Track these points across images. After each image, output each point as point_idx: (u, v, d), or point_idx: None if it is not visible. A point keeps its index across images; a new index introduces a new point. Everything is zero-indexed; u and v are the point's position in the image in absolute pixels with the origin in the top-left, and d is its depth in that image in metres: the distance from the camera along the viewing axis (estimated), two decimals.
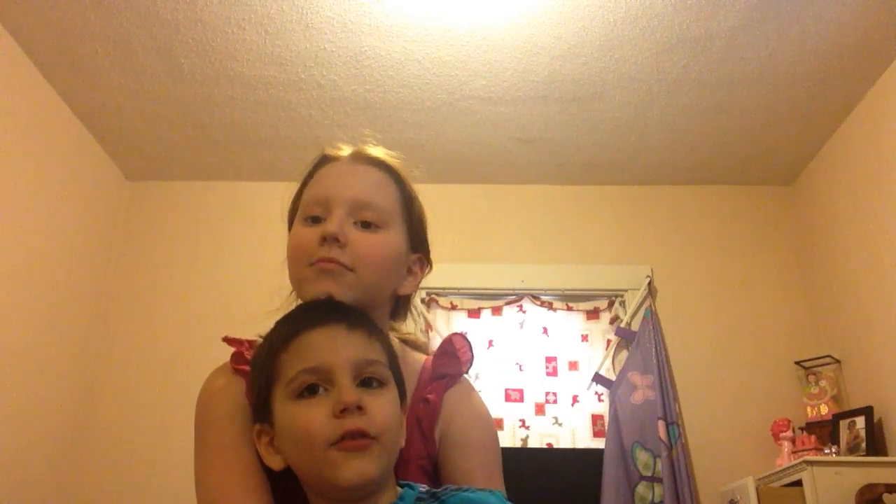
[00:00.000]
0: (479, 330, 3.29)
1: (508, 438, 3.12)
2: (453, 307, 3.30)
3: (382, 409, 0.87)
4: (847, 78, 2.85)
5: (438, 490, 0.88)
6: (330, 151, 1.09)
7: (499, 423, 3.14)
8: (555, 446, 3.13)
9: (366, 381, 0.88)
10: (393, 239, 1.02)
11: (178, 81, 2.89)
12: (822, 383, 3.01)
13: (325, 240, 0.96)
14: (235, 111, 3.06)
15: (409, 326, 1.15)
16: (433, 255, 1.11)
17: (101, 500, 2.99)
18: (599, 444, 3.06)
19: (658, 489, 2.86)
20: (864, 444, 2.68)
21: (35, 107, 2.85)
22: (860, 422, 2.75)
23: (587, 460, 3.02)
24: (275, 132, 3.17)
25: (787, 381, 3.14)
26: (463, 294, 3.34)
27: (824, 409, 2.95)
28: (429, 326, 3.21)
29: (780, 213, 3.50)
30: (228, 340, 1.02)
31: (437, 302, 3.30)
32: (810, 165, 3.37)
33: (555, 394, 3.21)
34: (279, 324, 0.94)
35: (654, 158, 3.35)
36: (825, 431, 2.89)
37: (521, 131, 3.17)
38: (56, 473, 2.93)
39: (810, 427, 2.94)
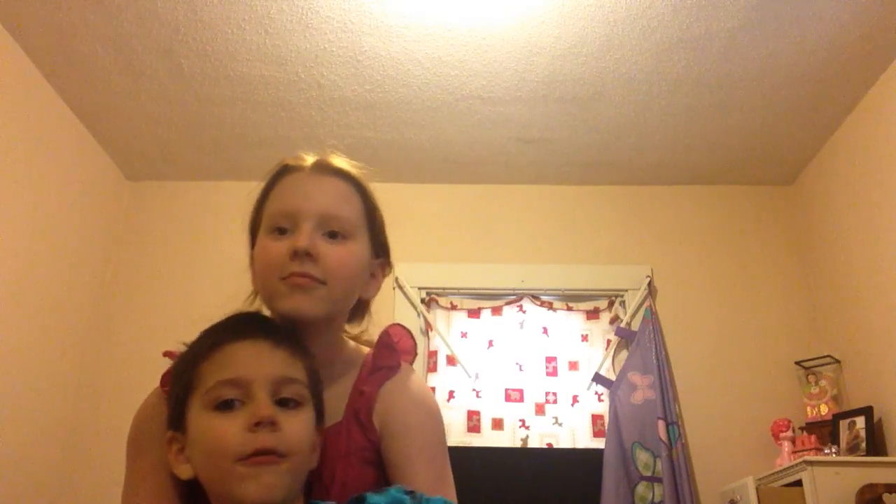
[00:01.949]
0: (479, 330, 3.29)
1: (508, 438, 3.12)
2: (453, 307, 3.30)
3: (295, 429, 0.88)
4: (847, 78, 2.85)
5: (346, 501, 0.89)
6: (291, 161, 1.09)
7: (498, 424, 3.14)
8: (555, 446, 3.13)
9: (283, 401, 0.89)
10: (359, 249, 1.04)
11: (178, 81, 2.89)
12: (822, 383, 3.01)
13: (296, 254, 0.98)
14: (235, 111, 3.06)
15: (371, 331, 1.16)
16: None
17: (101, 500, 2.99)
18: (599, 444, 3.06)
19: (658, 489, 2.86)
20: (864, 444, 2.68)
21: (35, 107, 2.85)
22: (860, 422, 2.75)
23: (587, 460, 3.03)
24: (275, 132, 3.17)
25: (787, 381, 3.14)
26: (463, 294, 3.34)
27: (824, 409, 2.95)
28: (429, 326, 3.22)
29: (780, 213, 3.50)
30: (169, 355, 1.03)
31: (437, 302, 3.30)
32: (810, 165, 3.37)
33: (555, 394, 3.21)
34: (205, 333, 0.97)
35: (654, 158, 3.36)
36: (825, 431, 2.89)
37: (521, 131, 3.17)
38: (56, 474, 2.93)
39: (810, 427, 2.94)
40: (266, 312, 1.06)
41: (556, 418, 3.17)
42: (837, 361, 3.05)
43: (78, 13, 2.56)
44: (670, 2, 2.51)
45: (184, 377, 0.93)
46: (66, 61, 2.78)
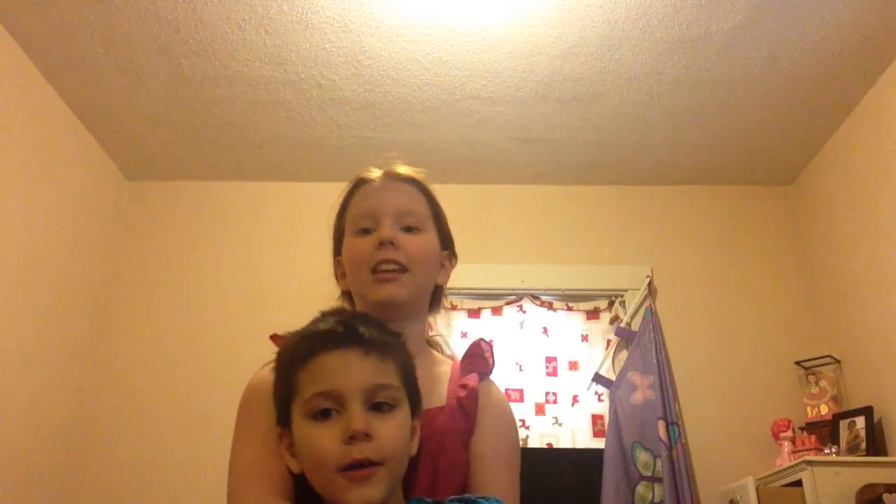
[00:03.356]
0: (479, 330, 3.29)
1: None
2: (453, 307, 3.30)
3: (390, 434, 0.93)
4: (847, 78, 2.85)
5: (443, 500, 0.96)
6: (364, 174, 1.25)
7: None
8: (555, 446, 3.13)
9: (377, 405, 0.94)
10: (432, 239, 1.20)
11: (178, 81, 2.89)
12: (822, 383, 3.01)
13: (381, 244, 1.13)
14: (235, 111, 3.06)
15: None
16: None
17: (102, 499, 2.99)
18: (599, 444, 3.06)
19: (658, 489, 2.86)
20: (863, 444, 2.68)
21: (35, 107, 2.85)
22: (860, 422, 2.75)
23: (587, 460, 3.02)
24: (275, 132, 3.17)
25: (787, 381, 3.14)
26: (463, 294, 3.34)
27: (824, 409, 2.95)
28: (429, 327, 3.21)
29: (780, 213, 3.50)
30: (274, 339, 1.08)
31: None
32: (810, 165, 3.37)
33: (555, 394, 3.21)
34: (301, 336, 1.01)
35: (654, 158, 3.36)
36: (825, 431, 2.89)
37: (521, 131, 3.17)
38: (57, 474, 2.93)
39: (810, 427, 2.94)
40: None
41: (556, 418, 3.18)
42: (837, 361, 3.05)
43: (78, 13, 2.56)
44: (670, 2, 2.51)
45: (284, 381, 0.98)
46: (66, 61, 2.78)
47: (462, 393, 1.12)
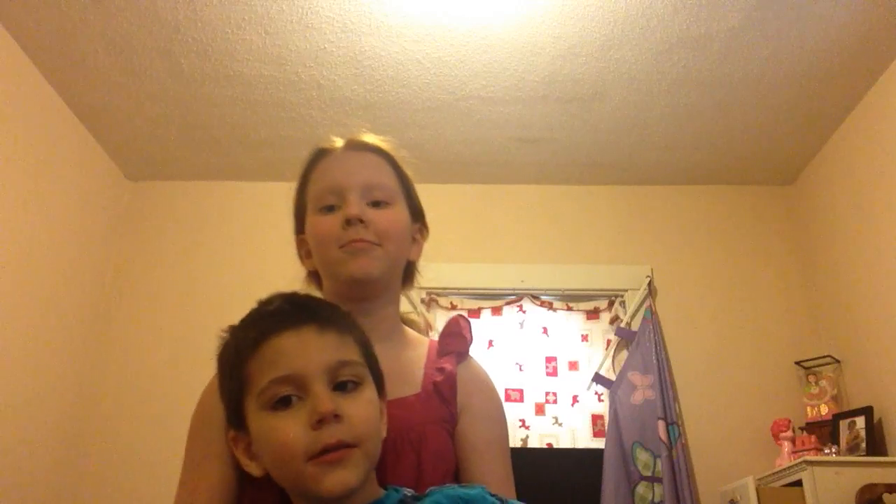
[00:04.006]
0: (479, 330, 3.29)
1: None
2: (453, 307, 3.30)
3: (360, 413, 0.85)
4: (847, 78, 2.85)
5: (422, 494, 0.87)
6: (325, 145, 1.17)
7: None
8: (555, 446, 3.13)
9: (341, 384, 0.86)
10: (401, 212, 1.12)
11: (178, 81, 2.89)
12: (822, 383, 3.01)
13: (349, 223, 1.05)
14: (235, 111, 3.06)
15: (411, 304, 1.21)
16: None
17: (102, 499, 2.99)
18: (599, 444, 3.06)
19: (658, 489, 2.86)
20: (863, 444, 2.68)
21: (35, 107, 2.85)
22: (860, 422, 2.75)
23: (587, 460, 3.02)
24: (275, 132, 3.17)
25: (787, 381, 3.14)
26: (463, 294, 3.34)
27: (824, 409, 2.95)
28: (429, 327, 3.21)
29: (780, 213, 3.50)
30: None
31: (437, 302, 3.30)
32: (810, 165, 3.37)
33: (555, 394, 3.21)
34: (246, 323, 0.92)
35: (654, 158, 3.36)
36: (825, 431, 2.89)
37: (521, 131, 3.17)
38: (57, 474, 2.93)
39: (810, 427, 2.94)
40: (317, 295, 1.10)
41: (556, 418, 3.18)
42: (837, 361, 3.05)
43: (78, 13, 2.56)
44: (670, 2, 2.51)
45: (233, 375, 0.89)
46: (66, 61, 2.78)
47: (439, 378, 1.05)
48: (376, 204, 1.08)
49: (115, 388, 3.16)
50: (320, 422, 0.82)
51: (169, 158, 3.38)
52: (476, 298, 3.34)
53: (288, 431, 0.82)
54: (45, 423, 2.88)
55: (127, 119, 3.11)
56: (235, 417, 0.89)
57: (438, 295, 3.31)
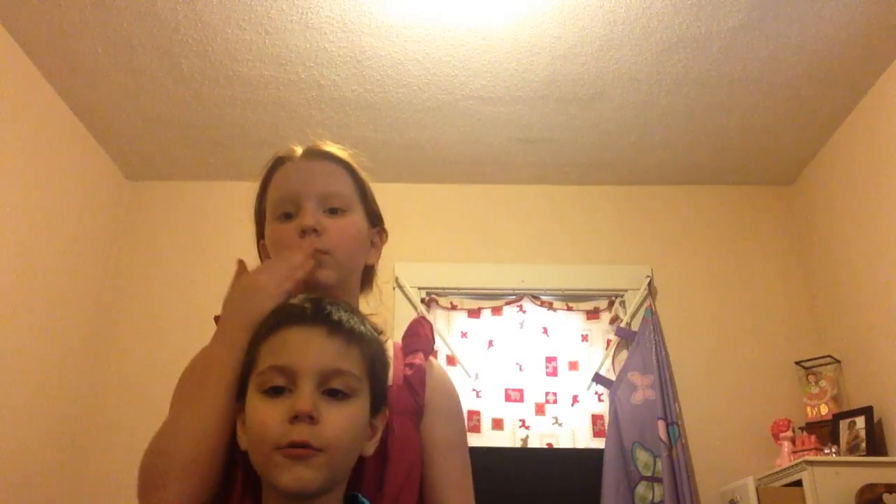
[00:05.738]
0: (479, 330, 3.29)
1: (508, 438, 3.12)
2: (453, 307, 3.30)
3: (337, 422, 0.88)
4: (847, 78, 2.85)
5: None
6: (283, 153, 1.20)
7: (498, 424, 3.15)
8: (555, 446, 3.13)
9: (331, 391, 0.90)
10: (357, 220, 1.16)
11: (178, 81, 2.89)
12: (822, 383, 3.01)
13: (304, 232, 1.09)
14: (235, 111, 3.06)
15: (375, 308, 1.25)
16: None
17: (102, 499, 2.99)
18: (599, 444, 3.06)
19: (658, 489, 2.86)
20: (863, 444, 2.68)
21: (35, 107, 2.85)
22: (860, 422, 2.75)
23: (587, 460, 3.02)
24: (275, 132, 3.17)
25: (787, 381, 3.14)
26: (463, 294, 3.34)
27: (824, 409, 2.95)
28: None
29: (780, 213, 3.50)
30: (217, 320, 1.08)
31: (437, 302, 3.30)
32: (810, 165, 3.37)
33: (555, 394, 3.21)
34: (272, 311, 0.98)
35: (654, 158, 3.36)
36: (825, 431, 2.89)
37: (521, 131, 3.17)
38: (57, 474, 2.93)
39: (810, 427, 2.94)
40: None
41: (556, 418, 3.17)
42: (837, 361, 3.05)
43: (78, 13, 2.56)
44: (670, 2, 2.51)
45: (248, 352, 0.96)
46: (66, 61, 2.78)
47: (409, 371, 1.10)
48: (333, 211, 1.12)
49: (114, 388, 3.16)
50: (296, 418, 0.86)
51: (168, 158, 3.38)
52: (476, 298, 3.34)
53: (267, 417, 0.88)
54: (44, 422, 2.88)
55: (127, 119, 3.11)
56: (241, 392, 0.95)
57: (438, 295, 3.31)
